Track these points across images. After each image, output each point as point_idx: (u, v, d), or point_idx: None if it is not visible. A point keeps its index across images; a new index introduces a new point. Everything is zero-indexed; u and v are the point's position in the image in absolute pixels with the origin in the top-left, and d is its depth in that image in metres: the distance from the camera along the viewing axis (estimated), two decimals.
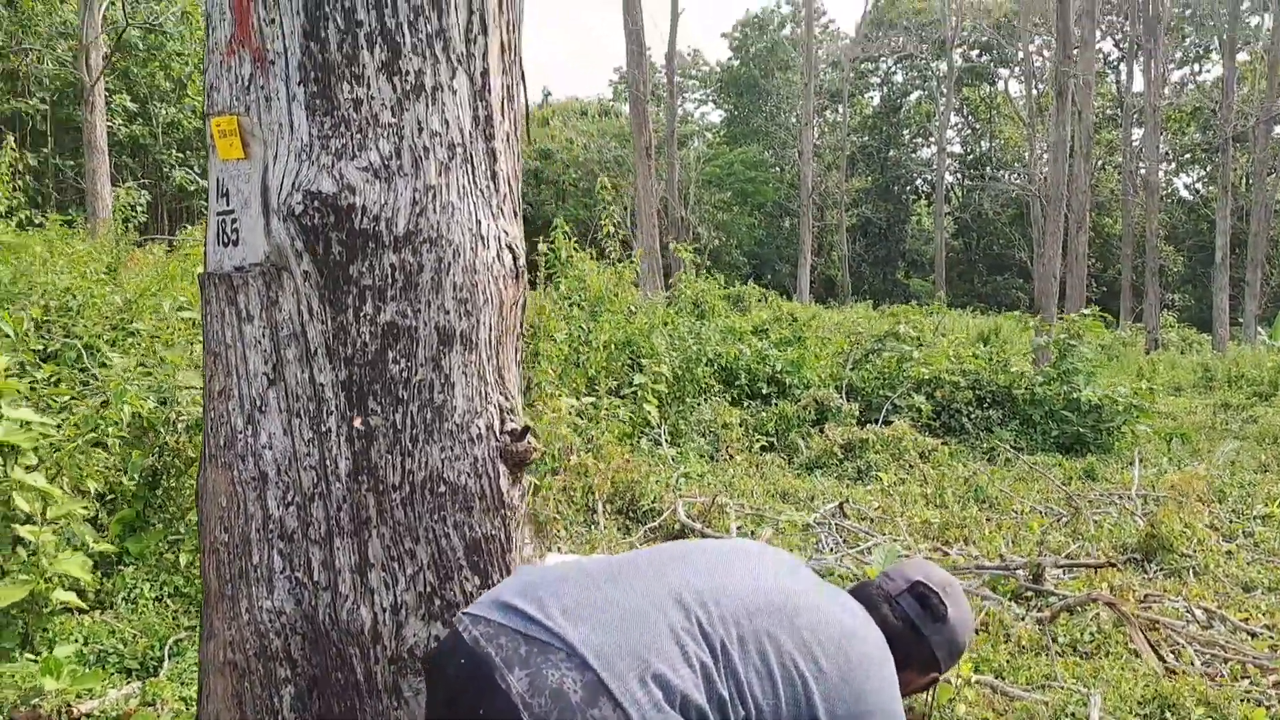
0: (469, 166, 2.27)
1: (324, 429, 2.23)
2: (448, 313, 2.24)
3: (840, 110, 45.48)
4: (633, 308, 9.54)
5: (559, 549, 5.37)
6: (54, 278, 7.04)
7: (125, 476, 4.55)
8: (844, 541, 6.73)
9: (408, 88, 2.18)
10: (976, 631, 4.94)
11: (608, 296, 8.90)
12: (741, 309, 16.96)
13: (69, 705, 3.39)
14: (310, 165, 2.14)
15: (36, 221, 12.02)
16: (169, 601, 4.36)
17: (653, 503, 6.79)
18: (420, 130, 2.19)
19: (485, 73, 2.30)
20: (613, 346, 8.50)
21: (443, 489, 2.26)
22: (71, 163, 24.93)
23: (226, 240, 2.26)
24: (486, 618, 1.71)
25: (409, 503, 2.24)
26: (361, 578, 2.24)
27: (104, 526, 4.57)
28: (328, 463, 2.23)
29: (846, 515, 7.37)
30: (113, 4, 22.78)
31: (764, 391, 10.10)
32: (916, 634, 1.99)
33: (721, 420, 9.07)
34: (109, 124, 25.42)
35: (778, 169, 44.21)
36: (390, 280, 2.18)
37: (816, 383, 10.41)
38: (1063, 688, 4.13)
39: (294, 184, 2.14)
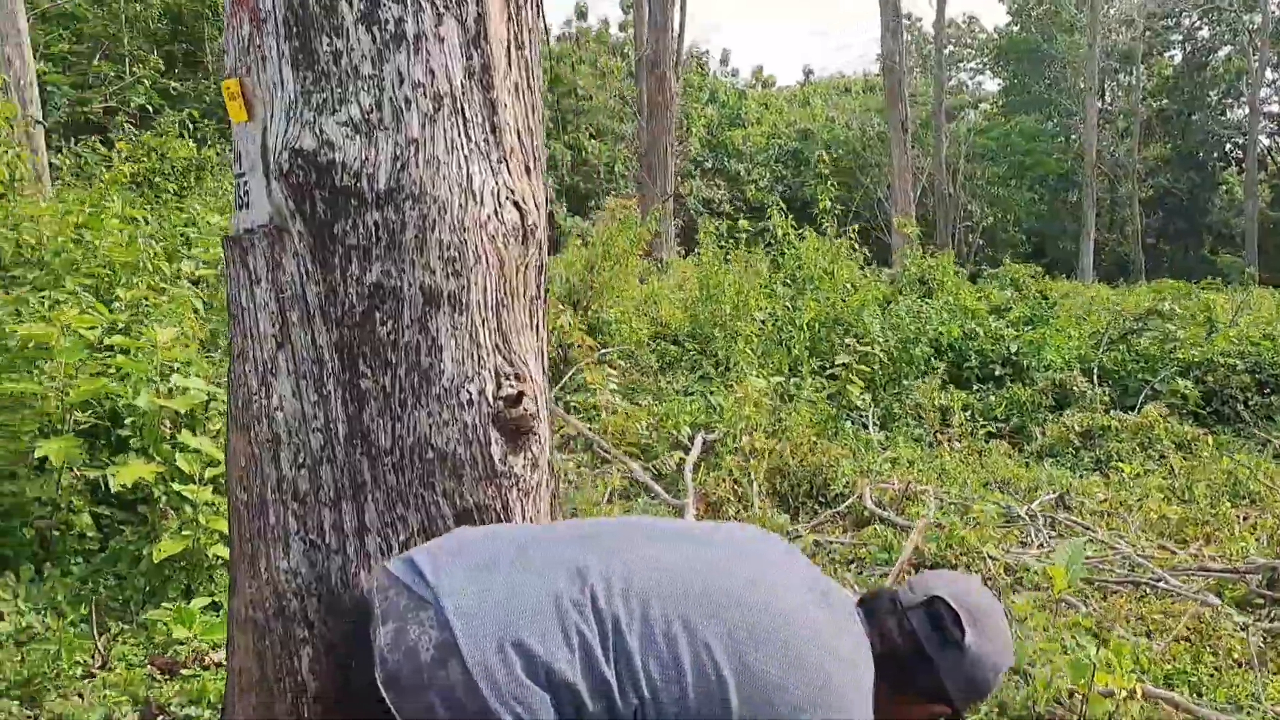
0: (459, 119, 2.17)
1: (325, 392, 2.21)
2: (433, 273, 2.15)
3: (1133, 73, 41.74)
4: (852, 285, 9.14)
5: None
6: None
7: None
8: (1057, 535, 6.14)
9: (387, 37, 2.10)
10: (1181, 640, 4.33)
11: (818, 275, 8.57)
12: (1005, 289, 15.79)
13: (202, 654, 3.62)
14: (295, 123, 2.12)
15: None
16: None
17: (845, 488, 6.47)
18: (402, 82, 2.11)
19: (481, 18, 2.19)
20: (817, 325, 8.17)
21: (430, 455, 2.18)
22: None
23: (240, 203, 2.28)
24: (390, 570, 1.64)
25: (399, 468, 2.18)
26: (360, 542, 2.21)
27: None
28: (330, 425, 2.21)
29: (1068, 507, 6.72)
30: None
31: (996, 374, 9.40)
32: (921, 657, 1.70)
33: (942, 404, 8.52)
34: None
35: (1061, 139, 41.23)
36: (374, 239, 2.12)
37: (1059, 365, 9.57)
38: (1271, 712, 3.52)
39: (284, 143, 2.13)
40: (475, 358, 2.19)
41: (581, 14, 37.11)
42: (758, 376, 7.17)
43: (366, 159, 2.10)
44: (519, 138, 2.31)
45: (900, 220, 10.52)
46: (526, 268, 2.32)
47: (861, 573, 5.33)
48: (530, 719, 1.43)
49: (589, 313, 9.30)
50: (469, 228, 2.16)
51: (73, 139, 12.95)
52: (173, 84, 23.39)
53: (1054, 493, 6.82)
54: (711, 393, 7.08)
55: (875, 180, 32.10)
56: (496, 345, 2.24)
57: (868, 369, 8.08)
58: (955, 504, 6.37)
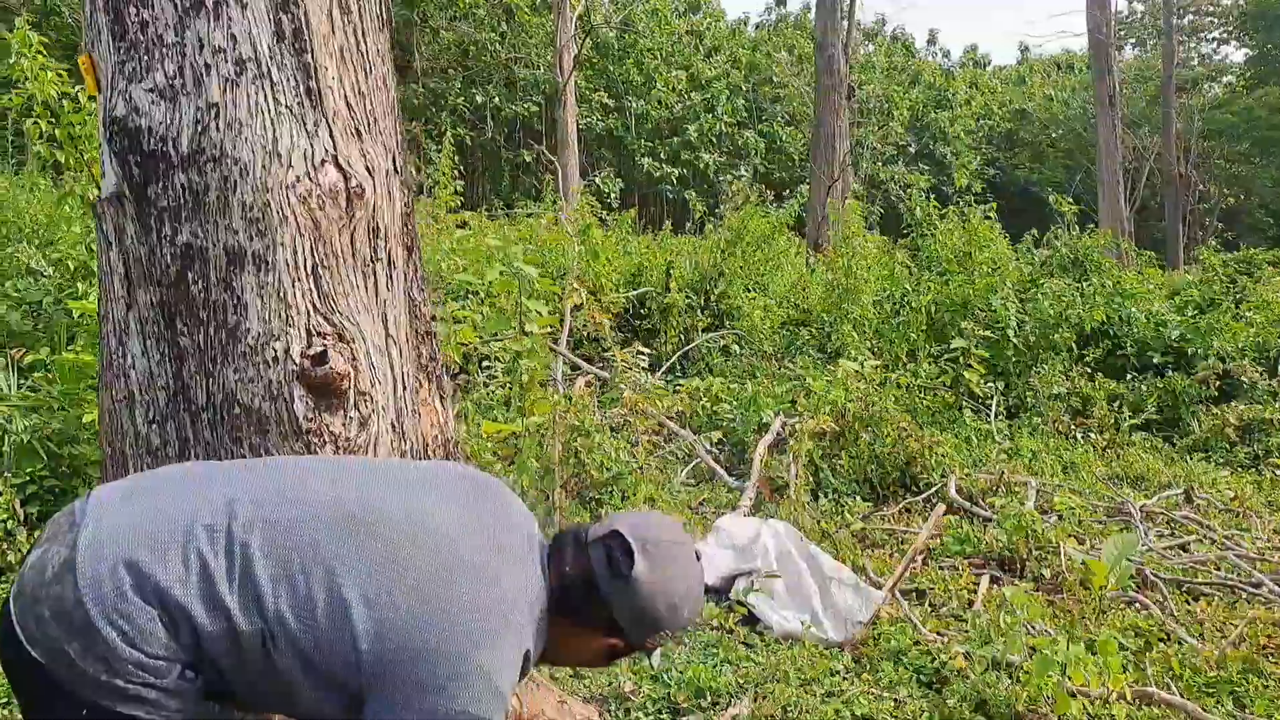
0: (265, 83, 2.21)
1: (162, 350, 2.31)
2: (236, 233, 2.20)
3: None
4: (991, 267, 8.62)
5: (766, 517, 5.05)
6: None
7: None
8: (1170, 534, 5.59)
9: (188, 4, 2.17)
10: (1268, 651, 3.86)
11: (948, 257, 8.14)
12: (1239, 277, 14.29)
13: None
14: (114, 92, 2.22)
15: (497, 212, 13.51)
16: None
17: (941, 477, 6.13)
18: (201, 47, 2.17)
19: None
20: (938, 309, 7.76)
21: (238, 411, 2.24)
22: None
23: (103, 173, 2.42)
24: (76, 502, 1.72)
25: (214, 424, 2.25)
26: None
27: None
28: (168, 383, 2.31)
29: (1195, 505, 6.10)
30: (587, 10, 25.10)
31: (1155, 362, 8.61)
32: (593, 588, 1.70)
33: (1084, 393, 7.90)
34: (588, 119, 28.12)
35: None
36: (182, 201, 2.20)
37: (1232, 353, 8.66)
38: None
39: (106, 111, 2.24)
40: (282, 316, 2.23)
41: (781, 0, 36.72)
42: (856, 360, 6.89)
43: (170, 123, 2.18)
44: (346, 101, 2.33)
45: (1057, 199, 9.78)
46: (353, 229, 2.34)
47: (926, 564, 5.04)
48: (133, 632, 1.46)
49: (711, 298, 9.21)
50: (272, 189, 2.20)
51: None
52: None
53: (1179, 489, 6.20)
54: (813, 377, 6.86)
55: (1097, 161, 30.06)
56: (313, 305, 2.27)
57: (990, 355, 7.60)
58: (1052, 497, 5.90)
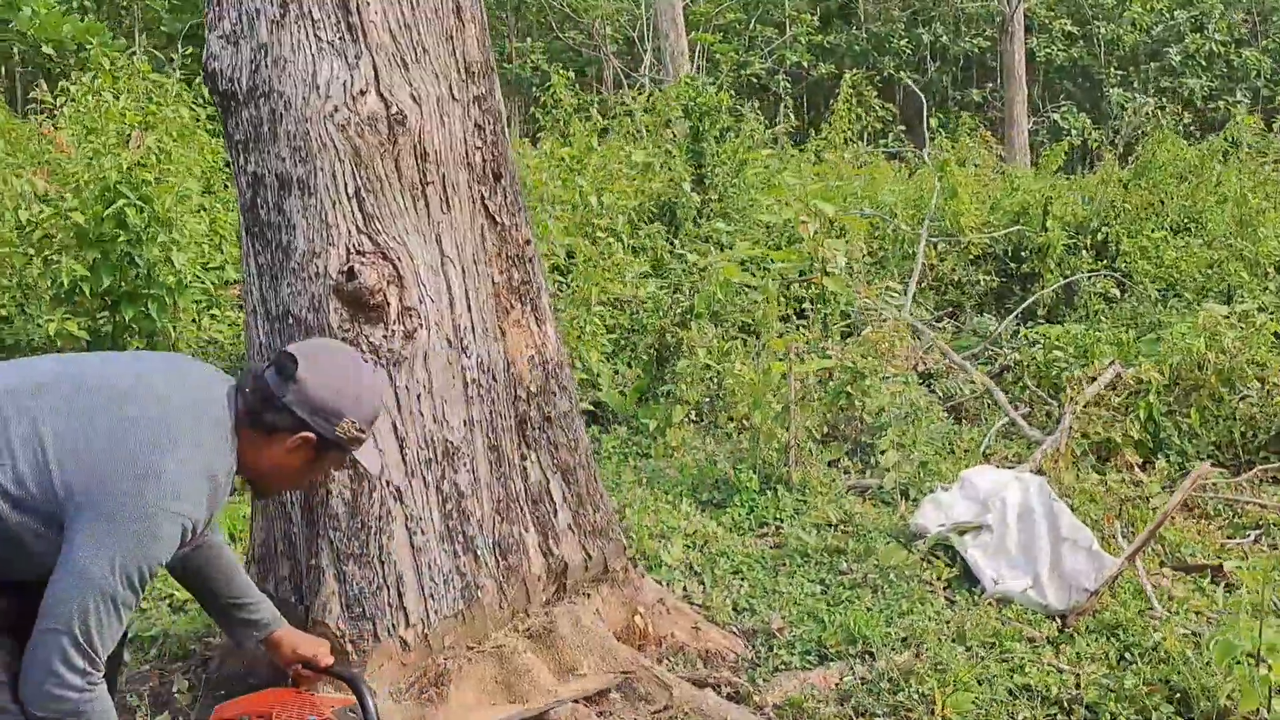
0: (306, 22, 2.42)
1: (249, 269, 2.65)
2: (284, 160, 2.45)
3: None
4: None
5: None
6: None
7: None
8: None
9: None
10: None
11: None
12: None
13: None
14: (206, 42, 2.57)
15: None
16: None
17: None
18: None
19: None
20: None
21: (291, 321, 2.50)
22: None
23: None
24: None
25: (279, 333, 2.54)
26: None
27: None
28: (259, 296, 2.65)
29: None
30: None
31: None
32: (269, 398, 1.92)
33: None
34: (1048, 49, 26.06)
35: None
36: (248, 134, 2.50)
37: None
38: None
39: (202, 62, 2.60)
40: (324, 236, 2.45)
41: None
42: (1244, 302, 5.84)
43: (235, 65, 2.48)
44: (391, 33, 2.47)
45: None
46: (397, 154, 2.49)
47: (1257, 540, 4.24)
48: None
49: (1106, 239, 8.18)
50: (311, 119, 2.41)
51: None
52: (825, 39, 24.86)
53: None
54: (1172, 321, 5.93)
55: None
56: (356, 225, 2.46)
57: None
58: None
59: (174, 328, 4.90)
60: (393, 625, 2.51)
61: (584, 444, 3.06)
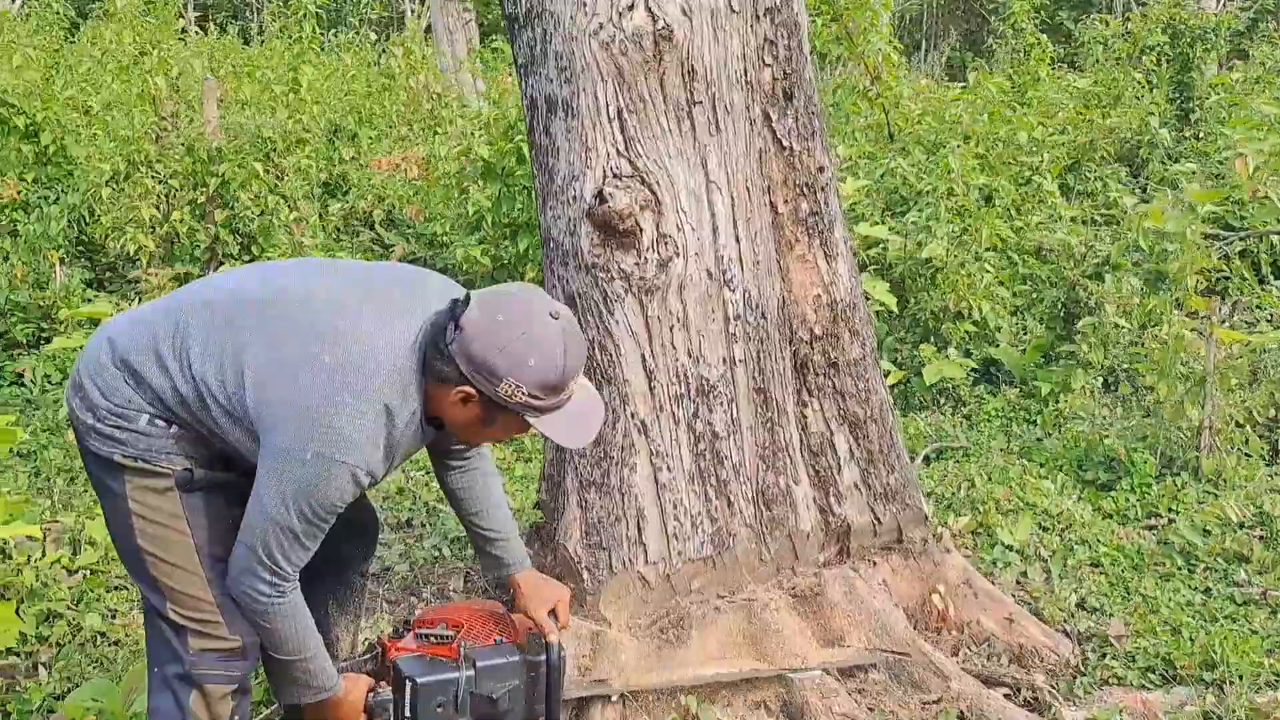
0: None
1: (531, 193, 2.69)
2: (551, 81, 2.42)
3: None
4: None
5: None
6: None
7: None
8: None
9: None
10: None
11: None
12: None
13: None
14: None
15: None
16: None
17: None
18: None
19: None
20: None
21: (552, 244, 2.49)
22: None
23: None
24: None
25: (546, 255, 2.55)
26: None
27: None
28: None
29: None
30: None
31: None
32: (438, 346, 1.79)
33: None
34: None
35: None
36: (526, 57, 2.51)
37: None
38: None
39: None
40: (584, 159, 2.40)
41: None
42: None
43: None
44: None
45: None
46: (662, 72, 2.36)
47: None
48: (105, 388, 1.87)
49: None
50: (577, 37, 2.36)
51: None
52: None
53: None
54: None
55: None
56: (616, 148, 2.38)
57: None
58: None
59: None
60: (629, 559, 2.45)
61: (879, 396, 2.76)
